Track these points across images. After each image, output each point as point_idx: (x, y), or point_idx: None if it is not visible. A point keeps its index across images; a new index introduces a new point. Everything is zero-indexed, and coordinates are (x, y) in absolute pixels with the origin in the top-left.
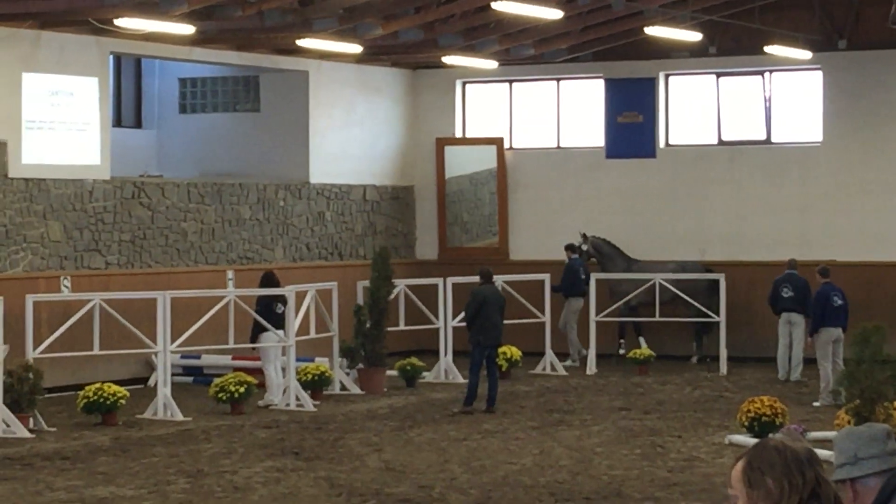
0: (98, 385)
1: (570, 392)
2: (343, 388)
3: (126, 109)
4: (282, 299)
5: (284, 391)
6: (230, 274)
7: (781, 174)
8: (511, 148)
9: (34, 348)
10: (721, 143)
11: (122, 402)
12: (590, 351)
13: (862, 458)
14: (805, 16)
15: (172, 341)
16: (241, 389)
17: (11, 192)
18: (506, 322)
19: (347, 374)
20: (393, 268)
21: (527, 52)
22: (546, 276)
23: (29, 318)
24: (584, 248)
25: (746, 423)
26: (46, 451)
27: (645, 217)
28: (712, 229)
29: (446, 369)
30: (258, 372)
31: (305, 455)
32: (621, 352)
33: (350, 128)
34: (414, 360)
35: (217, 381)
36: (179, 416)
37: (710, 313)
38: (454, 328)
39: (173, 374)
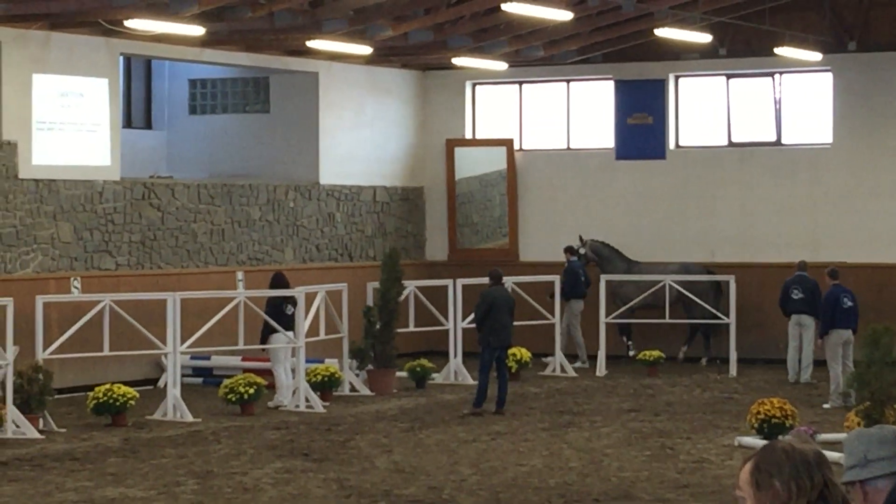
0: (108, 386)
1: (579, 393)
2: (353, 389)
3: (136, 110)
4: (292, 300)
5: (294, 392)
6: (240, 275)
7: (791, 176)
8: (521, 149)
9: (44, 349)
10: (731, 144)
11: (132, 403)
12: (599, 352)
13: (872, 460)
14: (815, 17)
15: (182, 342)
16: (251, 390)
17: (22, 193)
18: (515, 323)
19: (357, 375)
20: (403, 269)
21: (537, 53)
22: (555, 278)
23: (39, 319)
24: (583, 251)
25: (756, 425)
26: (56, 452)
27: (655, 218)
28: (722, 231)
29: (456, 371)
30: (268, 373)
31: (315, 456)
32: (631, 353)
33: (360, 129)
34: (424, 361)
35: (227, 382)
36: (189, 418)
37: (719, 315)
38: (464, 329)
39: (183, 376)
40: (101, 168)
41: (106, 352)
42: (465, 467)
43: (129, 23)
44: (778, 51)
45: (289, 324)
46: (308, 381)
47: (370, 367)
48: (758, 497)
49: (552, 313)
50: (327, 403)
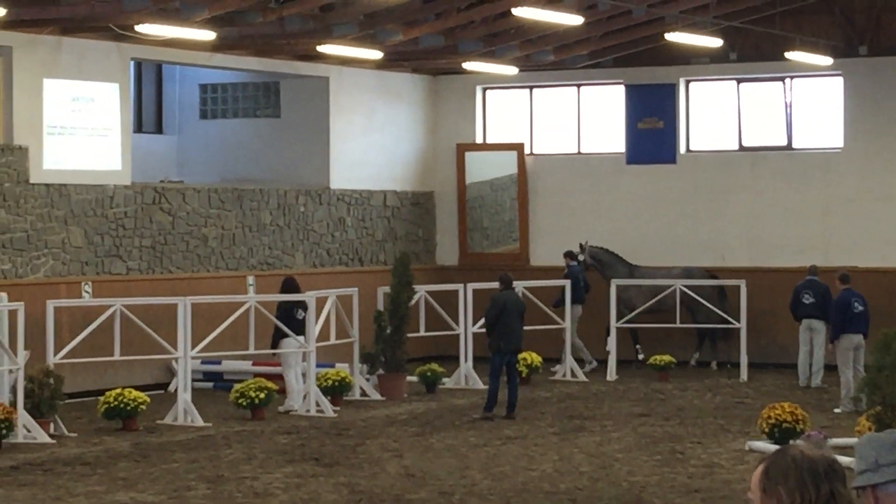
0: (118, 390)
1: (590, 398)
2: (363, 393)
3: (147, 115)
4: (302, 305)
5: (305, 397)
6: (251, 279)
7: (802, 180)
8: (531, 154)
9: (55, 354)
10: (742, 149)
11: (143, 407)
12: (610, 357)
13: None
14: (826, 22)
15: (193, 347)
16: (262, 395)
17: (33, 198)
18: (526, 328)
19: (367, 379)
20: (413, 274)
21: (547, 57)
22: (566, 283)
23: (50, 324)
24: (582, 258)
25: (767, 430)
26: (67, 457)
27: (665, 223)
28: (733, 235)
29: (466, 375)
30: (278, 378)
31: (325, 461)
32: (640, 357)
33: (370, 133)
34: (434, 365)
35: (237, 386)
36: (200, 422)
37: (729, 318)
38: (474, 334)
39: (194, 380)
40: (111, 173)
41: (117, 356)
42: (475, 472)
43: (139, 28)
44: (788, 55)
45: (299, 328)
46: (319, 386)
47: (381, 371)
48: (764, 501)
49: (562, 318)
50: (338, 408)
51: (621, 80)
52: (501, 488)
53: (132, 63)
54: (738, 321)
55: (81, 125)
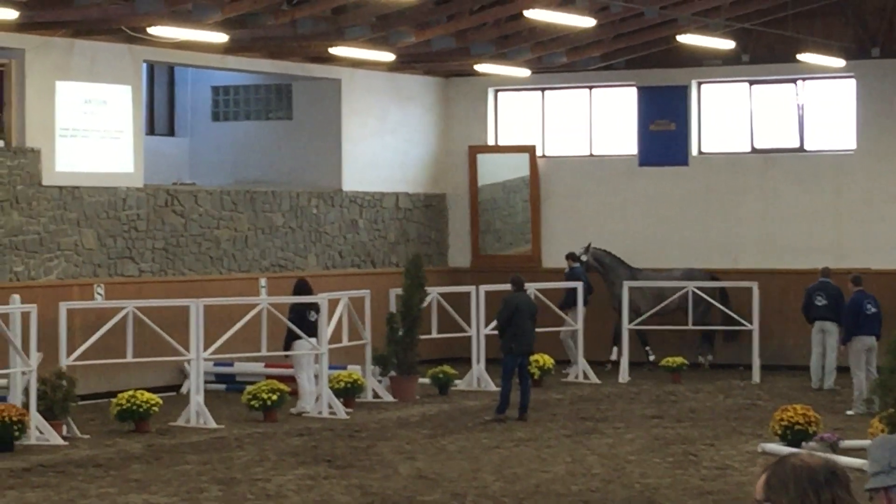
0: (131, 392)
1: (602, 400)
2: (375, 395)
3: (159, 117)
4: (314, 307)
5: (317, 399)
6: (263, 281)
7: (815, 182)
8: (544, 156)
9: (68, 356)
10: (754, 150)
11: (155, 409)
12: (622, 359)
13: None
14: (838, 24)
15: (205, 349)
16: (274, 397)
17: (45, 200)
18: (538, 330)
19: (380, 381)
20: (425, 275)
21: (559, 60)
22: (579, 285)
23: (62, 326)
24: (584, 258)
25: (780, 432)
26: (80, 459)
27: (677, 225)
28: (745, 237)
29: (479, 377)
30: (291, 380)
31: (338, 463)
32: (651, 358)
33: (382, 135)
34: (446, 367)
35: (250, 388)
36: (212, 424)
37: (741, 320)
38: (486, 336)
39: (206, 382)
40: (124, 175)
41: (129, 358)
42: (487, 474)
43: (152, 30)
44: (801, 57)
45: (312, 330)
46: (331, 388)
47: (393, 373)
48: None
49: (574, 320)
50: (350, 410)
51: (633, 82)
52: (514, 490)
53: (144, 65)
54: (750, 323)
55: (94, 127)
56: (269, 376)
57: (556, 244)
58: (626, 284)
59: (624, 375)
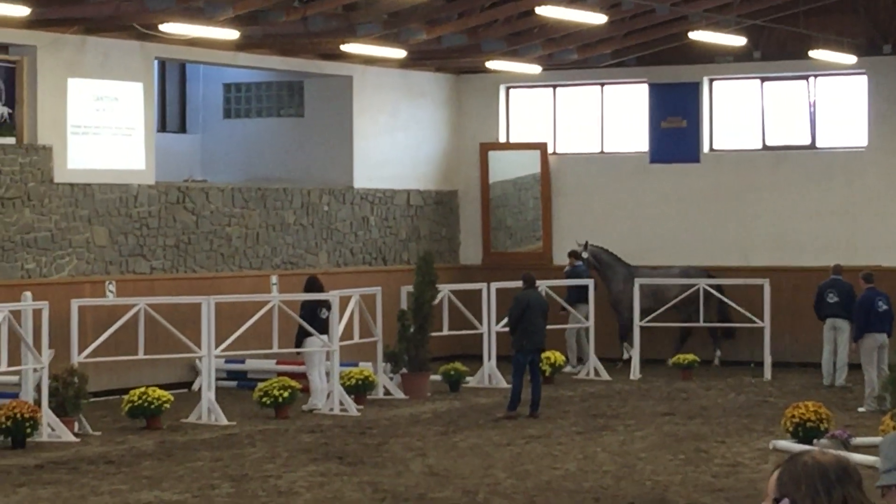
0: (143, 389)
1: (613, 397)
2: (387, 392)
3: (171, 114)
4: (326, 304)
5: (328, 396)
6: (274, 279)
7: (826, 179)
8: (555, 153)
9: (79, 353)
10: (765, 147)
11: (167, 406)
12: (634, 356)
13: None
14: (850, 20)
15: (217, 346)
16: (285, 394)
17: (57, 197)
18: (548, 327)
19: (391, 378)
20: (436, 272)
21: (570, 56)
22: (590, 282)
23: (74, 323)
24: (584, 255)
25: (791, 429)
26: (91, 455)
27: (689, 222)
28: (756, 234)
29: (490, 374)
30: (302, 377)
31: (349, 460)
32: (626, 356)
33: (394, 133)
34: (457, 364)
35: (261, 385)
36: (224, 421)
37: (753, 318)
38: (498, 333)
39: (218, 379)
40: (135, 172)
41: (141, 355)
42: (499, 471)
43: (163, 27)
44: (812, 54)
45: (323, 327)
46: (342, 385)
47: (404, 370)
48: None
49: (585, 317)
50: (361, 407)
51: (645, 79)
52: (525, 487)
53: (156, 62)
54: (761, 320)
55: (105, 124)
56: (280, 373)
57: (567, 241)
58: (638, 282)
59: (635, 372)
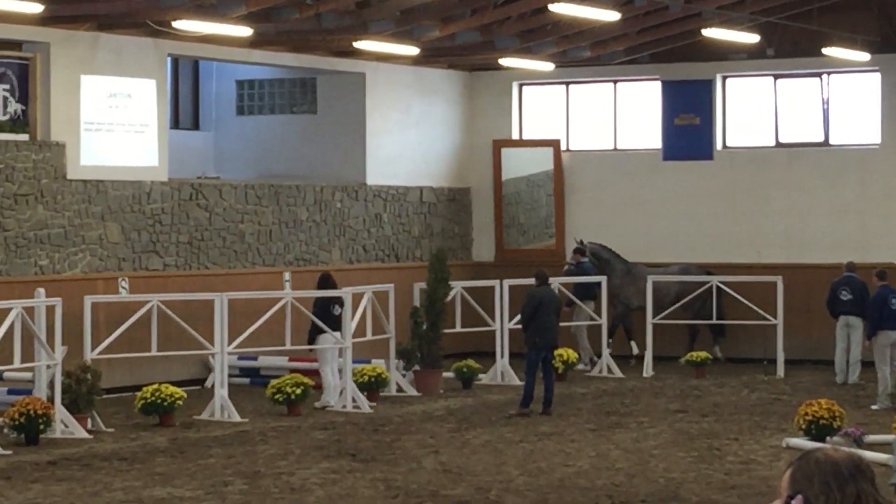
0: (155, 386)
1: (626, 394)
2: (399, 389)
3: (184, 111)
4: (339, 301)
5: (341, 393)
6: (287, 275)
7: (839, 176)
8: (568, 150)
9: (92, 349)
10: (779, 145)
11: (180, 403)
12: (646, 353)
13: None
14: (863, 17)
15: (229, 343)
16: (298, 391)
17: (70, 194)
18: (561, 324)
19: (404, 375)
20: (449, 269)
21: (583, 53)
22: (602, 279)
23: (87, 320)
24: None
25: (804, 427)
26: (104, 452)
27: (702, 219)
28: (770, 231)
29: (502, 371)
30: (315, 373)
31: (362, 456)
32: (635, 352)
33: (407, 129)
34: (470, 361)
35: (274, 382)
36: (236, 418)
37: (766, 315)
38: (510, 330)
39: (230, 376)
40: (148, 169)
41: (153, 352)
42: (511, 468)
43: (176, 24)
44: (826, 51)
45: (336, 324)
46: (355, 382)
47: (417, 367)
48: None
49: (598, 314)
50: (374, 404)
51: (658, 76)
52: (538, 484)
53: (169, 59)
54: (774, 317)
55: (118, 121)
56: (293, 370)
57: (580, 238)
58: (650, 279)
59: (648, 370)
